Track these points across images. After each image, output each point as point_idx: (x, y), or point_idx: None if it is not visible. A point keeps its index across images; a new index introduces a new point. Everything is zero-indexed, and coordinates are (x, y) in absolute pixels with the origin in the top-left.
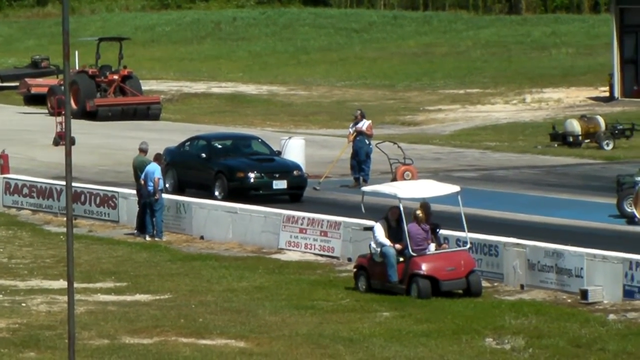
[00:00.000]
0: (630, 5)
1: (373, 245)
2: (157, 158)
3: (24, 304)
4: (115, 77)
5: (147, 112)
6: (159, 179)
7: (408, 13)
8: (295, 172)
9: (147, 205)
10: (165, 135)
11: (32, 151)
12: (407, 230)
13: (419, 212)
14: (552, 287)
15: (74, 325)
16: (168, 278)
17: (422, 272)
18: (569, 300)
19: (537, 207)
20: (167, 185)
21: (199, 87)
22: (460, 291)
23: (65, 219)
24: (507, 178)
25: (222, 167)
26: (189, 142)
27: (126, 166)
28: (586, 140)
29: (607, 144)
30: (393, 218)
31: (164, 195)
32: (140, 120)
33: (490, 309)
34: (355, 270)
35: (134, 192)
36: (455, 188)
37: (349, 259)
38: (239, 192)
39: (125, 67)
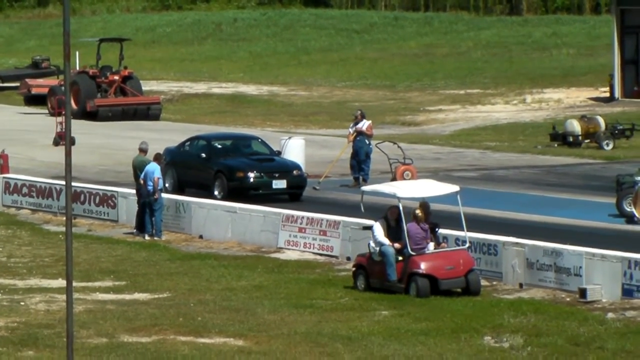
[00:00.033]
0: (631, 7)
1: (372, 244)
2: (157, 158)
3: (22, 303)
4: (116, 77)
5: (147, 112)
6: (158, 178)
7: (409, 14)
8: (294, 172)
9: (147, 205)
10: (166, 135)
11: (32, 151)
12: (406, 230)
13: (418, 211)
14: (551, 286)
15: (73, 324)
16: (167, 277)
17: (421, 271)
18: (568, 299)
19: (537, 207)
20: (166, 185)
21: (200, 87)
22: (459, 290)
23: (64, 218)
24: (507, 178)
25: (222, 167)
26: (189, 142)
27: (126, 166)
28: (586, 141)
29: (607, 144)
30: (392, 217)
31: (164, 195)
32: (140, 121)
33: (489, 307)
34: (354, 269)
35: (134, 191)
36: (454, 188)
37: (348, 258)
38: (239, 192)
39: (125, 68)
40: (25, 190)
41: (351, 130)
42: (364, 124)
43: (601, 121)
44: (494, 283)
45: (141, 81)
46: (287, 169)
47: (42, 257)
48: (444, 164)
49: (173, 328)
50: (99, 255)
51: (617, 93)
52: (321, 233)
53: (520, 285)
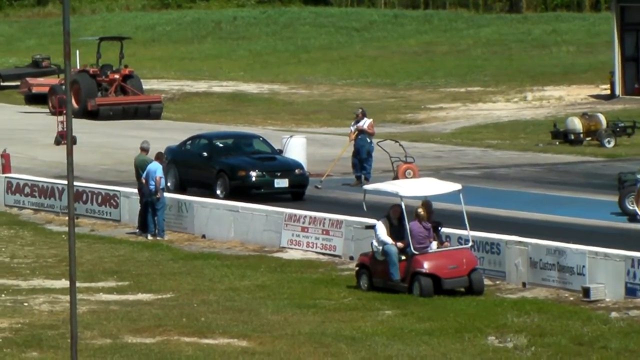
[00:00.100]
0: (630, 4)
1: (375, 243)
2: (159, 157)
3: (26, 304)
4: (116, 76)
5: (148, 111)
6: (160, 177)
7: (409, 12)
8: (296, 171)
9: (149, 204)
10: (167, 134)
11: (34, 150)
12: (409, 229)
13: (420, 210)
14: (554, 285)
15: (77, 325)
16: (170, 277)
17: (424, 271)
18: (571, 298)
19: (538, 205)
20: (168, 184)
21: (200, 86)
22: (463, 289)
23: (67, 218)
24: (509, 176)
25: (224, 166)
26: (190, 141)
27: (128, 165)
28: (587, 138)
29: (609, 142)
30: (395, 216)
31: (166, 194)
32: (141, 120)
33: (492, 307)
34: (357, 268)
35: (136, 191)
36: (456, 186)
37: (351, 258)
38: (241, 191)
39: (126, 67)
40: (27, 190)
41: (352, 129)
42: (365, 123)
43: (602, 119)
44: (497, 282)
45: (142, 80)
46: (289, 168)
47: (45, 258)
48: (445, 162)
49: (177, 329)
50: (102, 256)
51: (618, 90)
52: (324, 232)
53: (524, 284)
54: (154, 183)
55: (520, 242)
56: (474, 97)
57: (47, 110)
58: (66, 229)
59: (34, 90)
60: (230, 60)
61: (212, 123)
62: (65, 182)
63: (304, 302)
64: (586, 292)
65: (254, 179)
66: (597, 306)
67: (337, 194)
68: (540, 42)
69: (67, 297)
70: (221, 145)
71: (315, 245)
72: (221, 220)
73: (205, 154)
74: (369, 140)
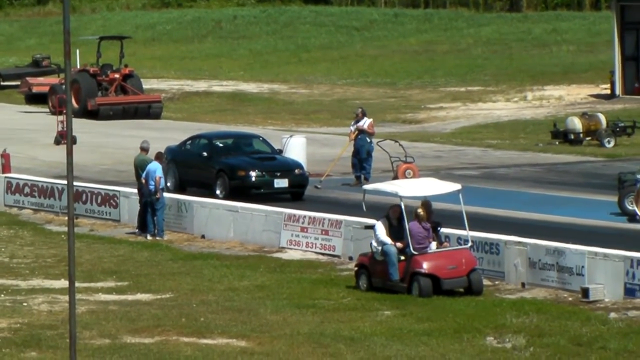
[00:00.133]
0: (630, 3)
1: (374, 243)
2: (159, 157)
3: (25, 304)
4: (117, 75)
5: (148, 110)
6: (160, 177)
7: (409, 11)
8: (296, 171)
9: (149, 204)
10: (167, 134)
11: (34, 150)
12: (408, 229)
13: (420, 210)
14: (553, 286)
15: (75, 325)
16: (169, 277)
17: (423, 271)
18: (570, 299)
19: (538, 205)
20: (168, 184)
21: (200, 85)
22: (462, 289)
23: (66, 218)
24: (508, 176)
25: (224, 166)
26: (190, 141)
27: (127, 165)
28: (587, 138)
29: (609, 142)
30: (394, 216)
31: (165, 194)
32: (141, 119)
33: (491, 307)
34: (356, 268)
35: (135, 191)
36: (456, 186)
37: (350, 258)
38: (240, 191)
39: (126, 66)
40: (27, 190)
41: (352, 129)
42: (365, 122)
43: (602, 118)
44: (497, 282)
45: (142, 79)
46: (288, 168)
47: (44, 258)
48: (445, 162)
49: (176, 329)
50: (101, 256)
51: (618, 90)
52: (323, 232)
53: (523, 284)
54: (153, 183)
55: (519, 243)
56: (474, 97)
57: (47, 110)
58: (66, 229)
59: (34, 89)
60: (231, 60)
61: (212, 123)
62: (65, 182)
63: (303, 302)
64: (585, 292)
65: (253, 179)
66: (596, 306)
67: (336, 194)
68: (540, 41)
69: (66, 297)
70: (221, 145)
71: (314, 246)
72: (220, 221)
73: (205, 153)
74: (368, 140)
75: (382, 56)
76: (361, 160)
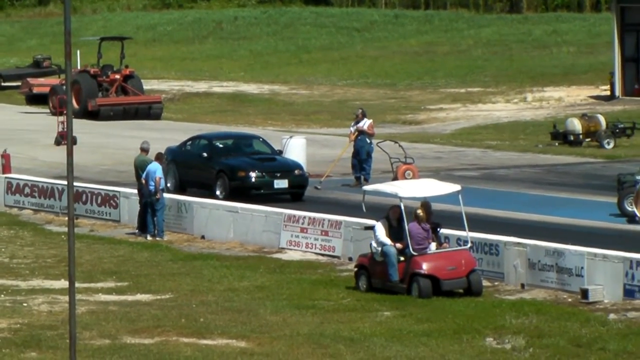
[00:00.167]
0: (631, 4)
1: (374, 244)
2: (159, 157)
3: (25, 304)
4: (117, 76)
5: (148, 111)
6: (160, 178)
7: (409, 12)
8: (296, 172)
9: (149, 205)
10: (167, 134)
11: (34, 151)
12: (408, 230)
13: (419, 211)
14: (552, 287)
15: (75, 325)
16: (169, 278)
17: (423, 272)
18: (570, 300)
19: (537, 206)
20: (168, 185)
21: (201, 86)
22: (461, 290)
23: (66, 218)
24: (508, 177)
25: (224, 167)
26: (190, 142)
27: (127, 166)
28: (587, 139)
29: (608, 143)
30: (394, 217)
31: (165, 195)
32: (141, 120)
33: (490, 308)
34: (356, 269)
35: (136, 191)
36: (456, 187)
37: (350, 259)
38: (240, 192)
39: (126, 67)
40: (27, 190)
41: (352, 129)
42: (365, 123)
43: (602, 120)
44: (496, 283)
45: (142, 80)
46: (288, 169)
47: (44, 258)
48: (445, 163)
49: (175, 329)
50: (101, 256)
51: (618, 91)
52: (323, 233)
53: (522, 285)
54: (153, 183)
55: (519, 244)
56: (474, 98)
57: (48, 111)
58: (66, 229)
59: (35, 90)
60: (231, 61)
61: (212, 123)
62: (65, 182)
63: (302, 302)
64: (585, 293)
65: (253, 179)
66: (595, 308)
67: (336, 195)
68: (540, 42)
69: (66, 298)
70: (221, 145)
71: (314, 246)
72: (220, 221)
73: (205, 154)
74: (368, 141)
75: (383, 57)
76: (361, 161)
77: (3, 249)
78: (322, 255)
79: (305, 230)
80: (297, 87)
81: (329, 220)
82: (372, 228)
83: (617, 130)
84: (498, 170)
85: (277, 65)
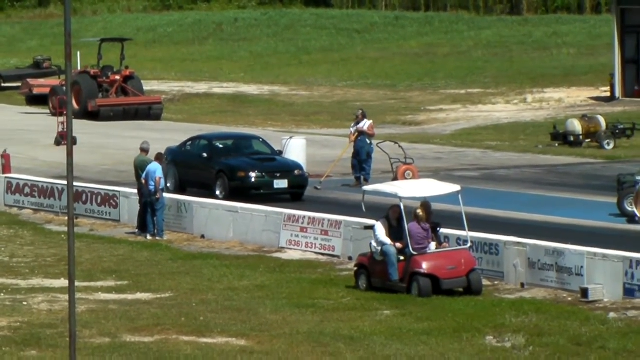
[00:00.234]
0: (631, 6)
1: (374, 244)
2: (159, 158)
3: (25, 303)
4: (117, 77)
5: (148, 112)
6: (160, 178)
7: (409, 14)
8: (296, 172)
9: (148, 205)
10: (167, 135)
11: (34, 151)
12: (408, 229)
13: (419, 211)
14: (552, 286)
15: (75, 324)
16: (169, 277)
17: (422, 271)
18: (570, 299)
19: (538, 206)
20: (168, 185)
21: (201, 87)
22: (461, 290)
23: (66, 218)
24: (508, 177)
25: (224, 167)
26: (190, 142)
27: (127, 166)
28: (587, 140)
29: (608, 144)
30: (394, 217)
31: (165, 195)
32: (141, 121)
33: (490, 307)
34: (356, 269)
35: (135, 191)
36: (455, 187)
37: (350, 258)
38: (240, 192)
39: (127, 68)
40: (27, 190)
41: (352, 130)
42: (365, 124)
43: (602, 121)
44: (496, 283)
45: (142, 81)
46: (288, 169)
47: (44, 257)
48: (445, 164)
49: (175, 328)
50: (101, 255)
51: (618, 92)
52: (323, 233)
53: (522, 285)
54: (153, 183)
55: (519, 243)
56: (474, 99)
57: (48, 111)
58: (66, 229)
59: (35, 91)
60: (231, 62)
61: (212, 124)
62: (65, 182)
63: (302, 301)
64: (584, 292)
65: (253, 179)
66: (595, 307)
67: (336, 195)
68: (540, 44)
69: (66, 296)
70: (221, 146)
71: (314, 246)
72: (220, 221)
73: (205, 154)
74: (368, 142)
75: (383, 58)
76: (361, 161)
77: (3, 248)
78: (322, 254)
79: (305, 230)
80: (297, 88)
81: (328, 220)
82: (372, 228)
83: (617, 131)
84: (498, 171)
85: (277, 67)
